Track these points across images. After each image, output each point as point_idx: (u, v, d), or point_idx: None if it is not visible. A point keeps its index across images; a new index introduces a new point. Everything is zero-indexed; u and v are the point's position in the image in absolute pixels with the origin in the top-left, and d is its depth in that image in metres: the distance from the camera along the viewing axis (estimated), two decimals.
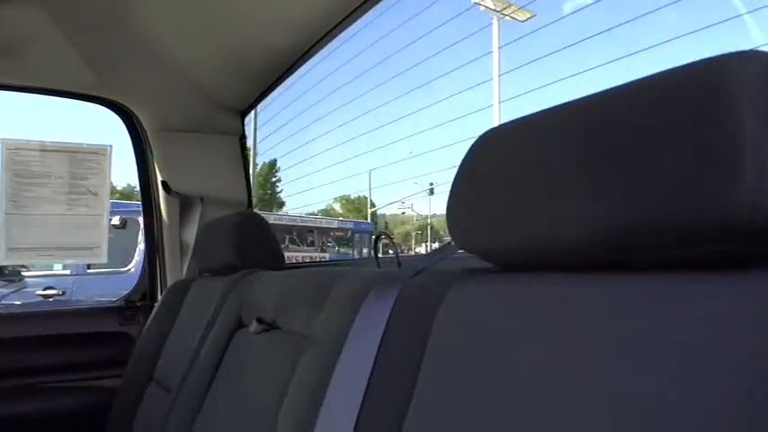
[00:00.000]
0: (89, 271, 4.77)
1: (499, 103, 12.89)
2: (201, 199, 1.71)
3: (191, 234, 1.72)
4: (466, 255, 0.64)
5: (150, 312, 1.69)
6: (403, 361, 0.60)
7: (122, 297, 1.82)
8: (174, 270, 1.74)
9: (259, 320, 0.92)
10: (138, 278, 1.83)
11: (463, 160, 0.61)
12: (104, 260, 1.76)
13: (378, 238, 1.13)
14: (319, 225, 16.18)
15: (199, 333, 1.19)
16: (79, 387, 1.60)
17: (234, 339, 1.04)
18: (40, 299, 4.61)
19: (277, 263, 1.33)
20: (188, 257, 1.71)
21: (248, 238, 1.32)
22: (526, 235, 0.51)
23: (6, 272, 4.82)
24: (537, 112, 0.53)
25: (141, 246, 4.54)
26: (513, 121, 0.56)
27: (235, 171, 1.75)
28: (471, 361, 0.53)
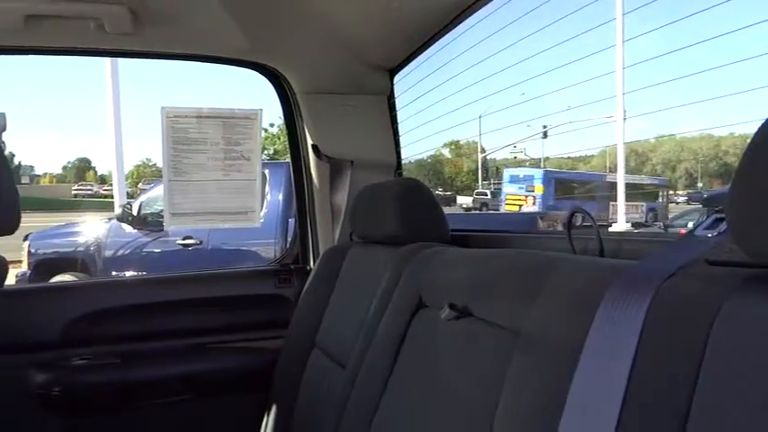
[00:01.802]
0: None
1: (623, 42, 11.90)
2: (351, 162, 1.67)
3: (341, 198, 1.69)
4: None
5: (304, 275, 1.70)
6: (667, 388, 0.52)
7: (276, 260, 1.86)
8: (326, 235, 1.74)
9: (452, 306, 0.86)
10: (288, 242, 1.85)
11: (747, 150, 0.50)
12: (258, 224, 1.79)
13: (571, 216, 1.03)
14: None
15: (370, 307, 1.16)
16: (244, 348, 1.66)
17: (416, 321, 0.99)
18: (180, 248, 4.91)
19: (442, 236, 1.27)
20: (339, 222, 1.69)
21: (413, 208, 1.27)
22: None
23: (149, 222, 5.18)
24: None
25: (268, 197, 4.71)
26: None
27: (384, 133, 1.69)
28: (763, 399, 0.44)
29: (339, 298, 1.43)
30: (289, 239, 4.43)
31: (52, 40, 1.42)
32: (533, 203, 14.73)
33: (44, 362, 1.48)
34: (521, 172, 16.67)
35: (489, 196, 18.85)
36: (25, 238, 4.99)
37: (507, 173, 16.73)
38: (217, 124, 1.65)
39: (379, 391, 0.99)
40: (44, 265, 4.92)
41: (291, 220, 4.66)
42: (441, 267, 1.00)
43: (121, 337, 1.56)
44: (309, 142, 1.69)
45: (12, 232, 1.08)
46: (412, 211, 1.26)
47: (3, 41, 1.38)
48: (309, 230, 1.77)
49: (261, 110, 1.68)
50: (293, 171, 1.77)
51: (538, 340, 0.69)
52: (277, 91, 1.69)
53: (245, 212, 1.72)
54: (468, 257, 0.96)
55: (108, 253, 5.06)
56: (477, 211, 17.62)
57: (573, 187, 16.28)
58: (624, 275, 0.62)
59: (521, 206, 14.79)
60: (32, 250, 4.96)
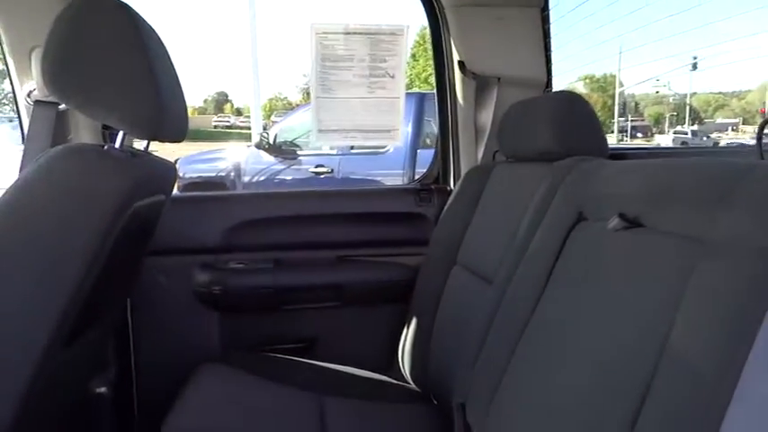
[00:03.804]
0: (352, 151, 5.11)
1: None
2: (498, 79, 1.62)
3: (486, 117, 1.65)
4: None
5: (445, 195, 1.70)
6: None
7: (417, 179, 1.87)
8: (469, 154, 1.71)
9: (622, 216, 0.81)
10: (431, 161, 1.85)
11: None
12: (400, 142, 1.81)
13: (763, 125, 0.93)
14: None
15: (521, 223, 1.13)
16: (385, 262, 1.71)
17: (574, 235, 0.96)
18: (312, 175, 5.10)
19: (602, 151, 1.20)
20: (483, 142, 1.66)
21: (572, 122, 1.20)
22: None
23: (283, 150, 5.41)
24: None
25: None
26: None
27: (534, 48, 1.61)
28: None
29: (483, 216, 1.41)
30: (417, 170, 4.45)
31: None
32: None
33: (206, 264, 1.62)
34: None
35: (690, 135, 17.65)
36: (174, 163, 5.41)
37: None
38: (363, 41, 1.66)
39: (531, 305, 0.97)
40: (191, 187, 5.32)
41: (420, 151, 4.67)
42: (606, 178, 0.94)
43: (273, 246, 1.66)
44: (455, 59, 1.65)
45: (180, 140, 1.15)
46: (569, 124, 1.20)
47: None
48: (451, 150, 1.75)
49: (407, 26, 1.66)
50: (437, 89, 1.74)
51: (729, 249, 0.63)
52: (424, 5, 1.65)
53: (389, 131, 1.73)
54: (640, 166, 0.90)
55: (246, 178, 5.37)
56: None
57: None
58: None
59: None
60: (181, 174, 5.37)
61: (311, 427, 1.22)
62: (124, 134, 1.07)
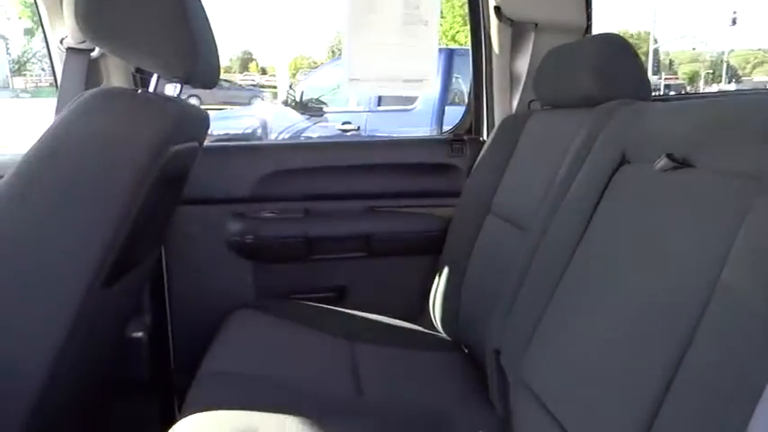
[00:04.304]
0: (378, 108, 5.07)
1: None
2: (535, 25, 1.56)
3: (521, 65, 1.61)
4: None
5: (477, 146, 1.67)
6: None
7: (449, 130, 1.84)
8: (503, 104, 1.67)
9: (670, 156, 0.78)
10: (463, 112, 1.82)
11: None
12: (433, 92, 1.77)
13: None
14: None
15: (559, 170, 1.10)
16: (416, 213, 1.70)
17: (616, 179, 0.93)
18: (339, 132, 5.07)
19: (644, 95, 1.16)
20: (518, 91, 1.62)
21: (614, 64, 1.16)
22: None
23: (310, 107, 5.38)
24: None
25: None
26: None
27: None
28: None
29: (519, 164, 1.38)
30: (445, 127, 4.39)
31: None
32: None
33: (238, 213, 1.63)
34: None
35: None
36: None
37: None
38: None
39: (569, 251, 0.95)
40: None
41: (448, 108, 4.59)
42: (652, 120, 0.91)
43: (304, 196, 1.66)
44: (491, 4, 1.60)
45: (211, 86, 1.14)
46: (611, 66, 1.15)
47: None
48: (485, 100, 1.71)
49: None
50: (471, 36, 1.69)
51: None
52: None
53: (421, 80, 1.70)
54: (687, 106, 0.86)
55: (273, 136, 5.37)
56: None
57: None
58: None
59: None
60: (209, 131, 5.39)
61: (343, 371, 1.24)
62: (158, 78, 1.06)
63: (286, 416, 0.98)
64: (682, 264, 0.71)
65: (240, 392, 1.05)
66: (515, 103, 1.62)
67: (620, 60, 1.17)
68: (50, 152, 0.93)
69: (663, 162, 0.79)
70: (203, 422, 0.93)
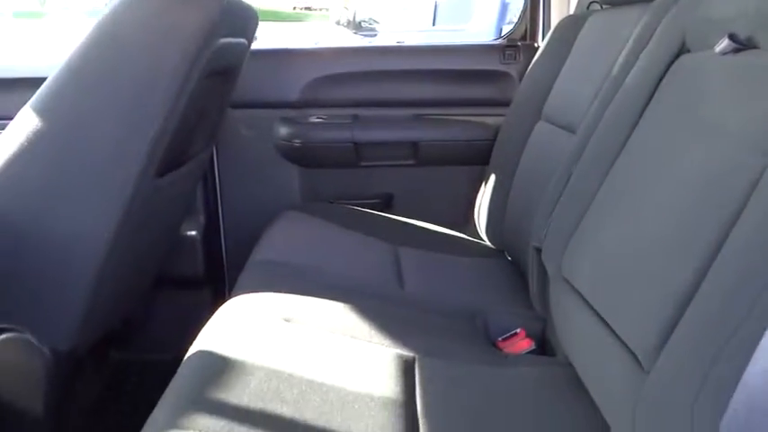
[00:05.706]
0: (433, 27, 4.92)
1: None
2: None
3: None
4: None
5: (531, 52, 1.61)
6: None
7: (503, 35, 1.77)
8: (561, 6, 1.59)
9: (732, 37, 0.73)
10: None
11: None
12: None
13: None
14: None
15: (615, 64, 1.05)
16: (465, 121, 1.67)
17: (674, 68, 0.88)
18: None
19: None
20: None
21: None
22: None
23: (363, 26, 5.29)
24: None
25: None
26: None
27: None
28: None
29: (574, 65, 1.32)
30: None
31: None
32: None
33: (287, 117, 1.64)
34: None
35: None
36: None
37: None
38: None
39: (617, 149, 0.91)
40: None
41: (505, 27, 4.41)
42: (715, 4, 0.85)
43: (352, 102, 1.65)
44: None
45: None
46: None
47: None
48: (542, 3, 1.63)
49: None
50: None
51: None
52: None
53: None
54: None
55: None
56: None
57: None
58: None
59: None
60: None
61: (386, 272, 1.26)
62: None
63: (329, 300, 1.01)
64: (735, 146, 0.67)
65: (286, 279, 1.09)
66: (574, 3, 1.54)
67: None
68: (99, 42, 0.95)
69: (724, 44, 0.74)
70: (249, 303, 0.97)
